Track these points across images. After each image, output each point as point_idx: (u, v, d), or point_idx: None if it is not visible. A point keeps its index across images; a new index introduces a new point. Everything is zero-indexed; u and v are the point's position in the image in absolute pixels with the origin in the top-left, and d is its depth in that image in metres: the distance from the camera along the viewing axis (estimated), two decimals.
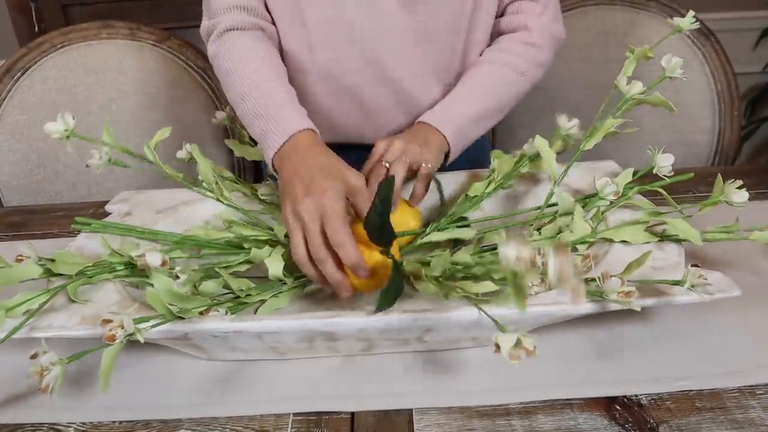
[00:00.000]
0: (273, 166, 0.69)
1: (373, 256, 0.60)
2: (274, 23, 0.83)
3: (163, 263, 0.57)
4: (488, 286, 0.58)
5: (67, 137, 0.69)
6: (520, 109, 1.09)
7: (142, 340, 0.51)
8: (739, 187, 0.63)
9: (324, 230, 0.59)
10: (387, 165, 0.72)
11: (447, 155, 0.79)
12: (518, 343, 0.47)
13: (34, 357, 0.50)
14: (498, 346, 0.47)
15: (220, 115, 0.78)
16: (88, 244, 0.69)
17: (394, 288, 0.55)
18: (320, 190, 0.60)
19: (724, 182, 0.64)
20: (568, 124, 0.74)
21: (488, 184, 0.74)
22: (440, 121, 0.79)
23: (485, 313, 0.52)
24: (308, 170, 0.63)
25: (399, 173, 0.71)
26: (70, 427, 0.54)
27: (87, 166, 0.70)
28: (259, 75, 0.74)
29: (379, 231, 0.57)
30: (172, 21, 1.75)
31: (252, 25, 0.80)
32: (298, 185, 0.62)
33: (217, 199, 0.75)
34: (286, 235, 0.65)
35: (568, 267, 0.43)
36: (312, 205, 0.59)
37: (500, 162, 0.75)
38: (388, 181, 0.58)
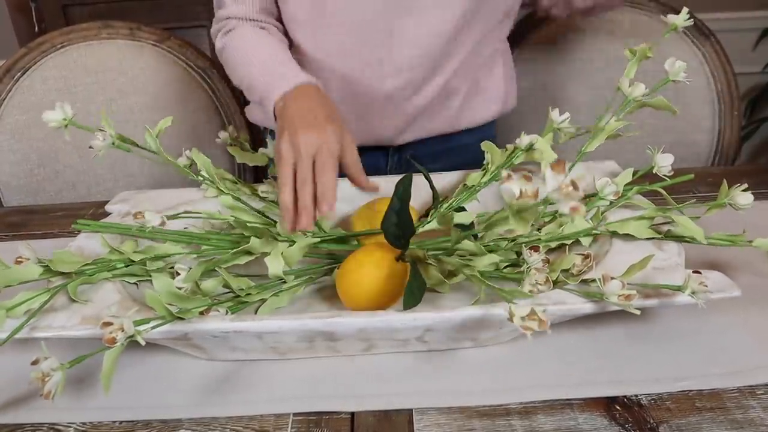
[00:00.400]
0: (274, 113, 0.70)
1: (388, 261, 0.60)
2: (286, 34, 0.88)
3: (162, 223, 0.57)
4: (491, 257, 0.59)
5: (66, 126, 0.69)
6: (520, 109, 1.09)
7: (143, 343, 0.51)
8: (744, 190, 0.63)
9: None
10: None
11: None
12: (531, 313, 0.47)
13: (35, 363, 0.50)
14: (512, 316, 0.48)
15: (224, 134, 0.79)
16: (88, 244, 0.69)
17: (417, 286, 0.56)
18: (321, 128, 0.63)
19: (729, 187, 0.64)
20: (560, 118, 0.74)
21: (483, 175, 0.74)
22: None
23: (491, 286, 0.52)
24: (312, 111, 0.66)
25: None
26: (70, 427, 0.54)
27: (90, 147, 0.70)
28: (263, 46, 0.79)
29: (397, 231, 0.57)
30: (172, 21, 1.75)
31: (256, 26, 0.84)
32: (300, 120, 0.64)
33: (217, 188, 0.75)
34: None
35: (566, 182, 0.43)
36: (312, 138, 0.62)
37: (493, 154, 0.75)
38: (408, 177, 0.59)
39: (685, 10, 0.71)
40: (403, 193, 0.59)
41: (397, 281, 0.60)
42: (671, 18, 0.71)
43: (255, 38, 0.82)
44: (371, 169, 0.99)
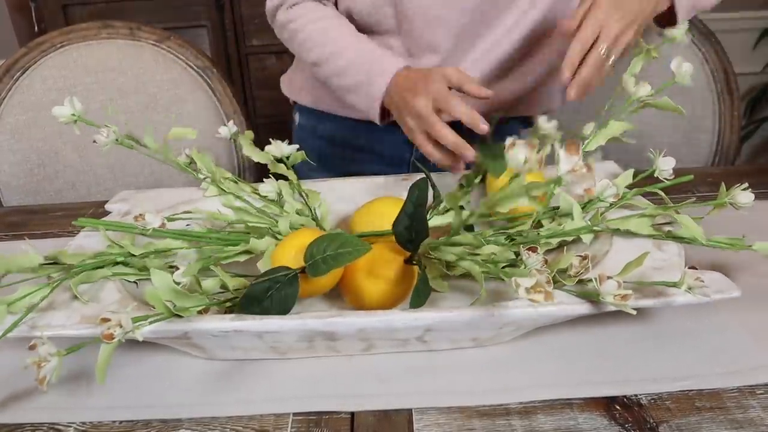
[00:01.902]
0: (383, 106, 0.79)
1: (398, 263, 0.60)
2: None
3: (162, 225, 0.58)
4: (492, 247, 0.60)
5: (75, 122, 0.69)
6: None
7: (140, 338, 0.52)
8: (745, 189, 0.63)
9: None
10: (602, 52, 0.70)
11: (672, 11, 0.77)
12: (537, 285, 0.48)
13: (32, 348, 0.50)
14: (517, 286, 0.49)
15: (224, 130, 0.79)
16: (88, 243, 0.69)
17: (423, 290, 0.56)
18: (424, 87, 0.72)
19: (727, 188, 0.63)
20: (547, 125, 0.74)
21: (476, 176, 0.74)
22: None
23: (493, 269, 0.53)
24: (411, 81, 0.74)
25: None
26: (70, 426, 0.54)
27: (94, 141, 0.70)
28: (348, 32, 0.84)
29: (409, 235, 0.58)
30: (172, 21, 1.75)
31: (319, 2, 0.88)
32: (407, 96, 0.73)
33: (218, 188, 0.75)
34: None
35: (580, 164, 0.44)
36: (423, 99, 0.71)
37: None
38: (424, 181, 0.60)
39: (685, 25, 0.72)
40: (418, 197, 0.59)
41: (404, 285, 0.60)
42: (668, 32, 0.72)
43: (335, 18, 0.86)
44: (396, 159, 0.99)
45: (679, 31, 0.71)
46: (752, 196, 0.62)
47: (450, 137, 0.69)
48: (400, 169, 0.97)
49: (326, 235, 0.57)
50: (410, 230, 0.58)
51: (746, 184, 0.63)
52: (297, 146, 0.75)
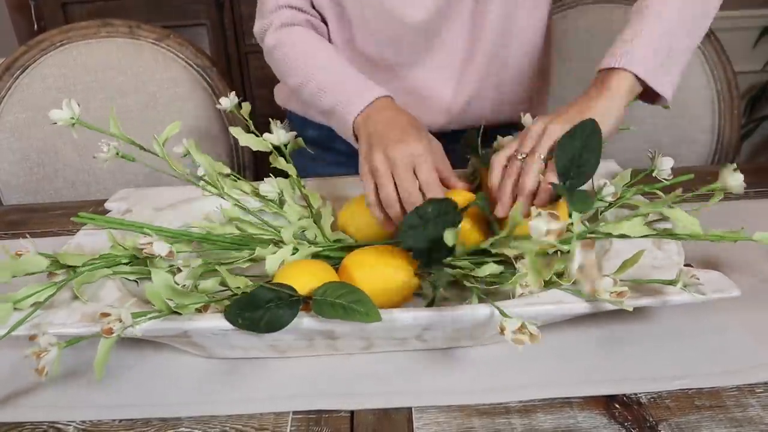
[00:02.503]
0: (354, 127, 0.73)
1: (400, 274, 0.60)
2: (324, 21, 0.87)
3: (170, 253, 0.58)
4: (491, 267, 0.59)
5: (73, 125, 0.69)
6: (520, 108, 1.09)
7: (139, 334, 0.52)
8: (735, 170, 0.63)
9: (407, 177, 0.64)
10: (520, 158, 0.64)
11: (654, 95, 0.69)
12: (522, 327, 0.48)
13: (32, 339, 0.50)
14: (503, 329, 0.49)
15: (225, 101, 0.77)
16: (87, 242, 0.69)
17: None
18: (414, 140, 0.66)
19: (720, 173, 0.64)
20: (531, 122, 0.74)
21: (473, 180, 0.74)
22: (622, 57, 0.67)
23: (493, 304, 0.52)
24: (399, 123, 0.69)
25: (526, 184, 0.62)
26: (70, 425, 0.54)
27: (94, 157, 0.70)
28: (327, 56, 0.81)
29: (429, 252, 0.58)
30: (171, 19, 1.75)
31: (304, 22, 0.85)
32: (391, 133, 0.67)
33: (220, 195, 0.75)
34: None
35: (591, 262, 0.45)
36: (407, 150, 0.65)
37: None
38: (451, 204, 0.59)
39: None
40: (445, 220, 0.58)
41: (405, 292, 0.60)
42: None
43: (317, 42, 0.83)
44: None
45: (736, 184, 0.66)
46: (741, 176, 0.62)
47: (396, 209, 0.65)
48: None
49: (346, 284, 0.55)
50: (431, 249, 0.58)
51: (735, 165, 0.63)
52: (294, 133, 0.75)
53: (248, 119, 0.77)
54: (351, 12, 0.85)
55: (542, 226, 0.50)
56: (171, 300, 0.54)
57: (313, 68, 0.80)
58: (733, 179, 0.63)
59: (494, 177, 0.65)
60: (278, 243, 0.68)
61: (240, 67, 1.90)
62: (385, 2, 0.82)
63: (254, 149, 0.75)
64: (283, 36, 0.84)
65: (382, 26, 0.84)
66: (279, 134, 0.73)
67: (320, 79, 0.79)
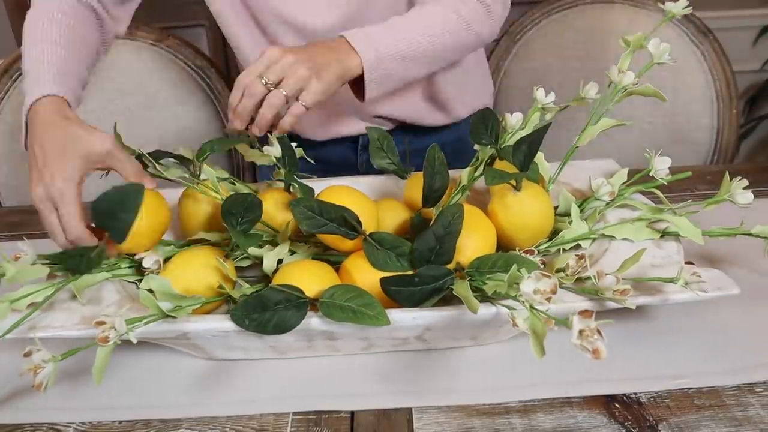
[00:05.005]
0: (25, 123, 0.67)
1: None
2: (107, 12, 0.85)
3: (159, 267, 0.58)
4: (497, 284, 0.59)
5: None
6: (519, 108, 1.09)
7: (134, 341, 0.51)
8: (745, 188, 0.63)
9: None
10: (265, 83, 0.66)
11: (362, 89, 0.73)
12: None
13: (27, 355, 0.50)
14: (514, 320, 0.48)
15: (270, 149, 0.78)
16: None
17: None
18: (50, 176, 0.60)
19: (730, 180, 0.63)
20: (545, 99, 0.74)
21: (476, 170, 0.73)
22: (364, 42, 0.72)
23: (494, 304, 0.52)
24: (41, 149, 0.62)
25: (263, 117, 0.67)
26: (70, 426, 0.54)
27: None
28: (45, 35, 0.72)
29: (430, 255, 0.57)
30: (170, 20, 1.75)
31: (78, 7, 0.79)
32: (33, 168, 0.62)
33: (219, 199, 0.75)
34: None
35: (591, 329, 0.45)
36: (43, 193, 0.60)
37: (482, 150, 0.75)
38: (458, 208, 0.58)
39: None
40: (450, 222, 0.57)
41: None
42: (669, 6, 0.70)
43: (52, 22, 0.74)
44: (342, 159, 0.97)
45: (677, 7, 0.69)
46: (751, 196, 0.62)
47: (60, 239, 0.61)
48: (352, 172, 0.95)
49: (354, 287, 0.55)
50: (433, 252, 0.57)
51: (746, 182, 0.62)
52: (295, 144, 0.74)
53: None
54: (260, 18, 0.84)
55: (529, 287, 0.48)
56: (166, 303, 0.54)
57: (28, 43, 0.72)
58: (743, 198, 0.62)
59: (235, 97, 0.67)
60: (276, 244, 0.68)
61: (239, 67, 1.90)
62: (285, 12, 0.82)
63: (259, 163, 0.75)
64: (31, 11, 0.76)
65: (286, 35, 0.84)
66: (278, 147, 0.73)
67: (26, 57, 0.71)
